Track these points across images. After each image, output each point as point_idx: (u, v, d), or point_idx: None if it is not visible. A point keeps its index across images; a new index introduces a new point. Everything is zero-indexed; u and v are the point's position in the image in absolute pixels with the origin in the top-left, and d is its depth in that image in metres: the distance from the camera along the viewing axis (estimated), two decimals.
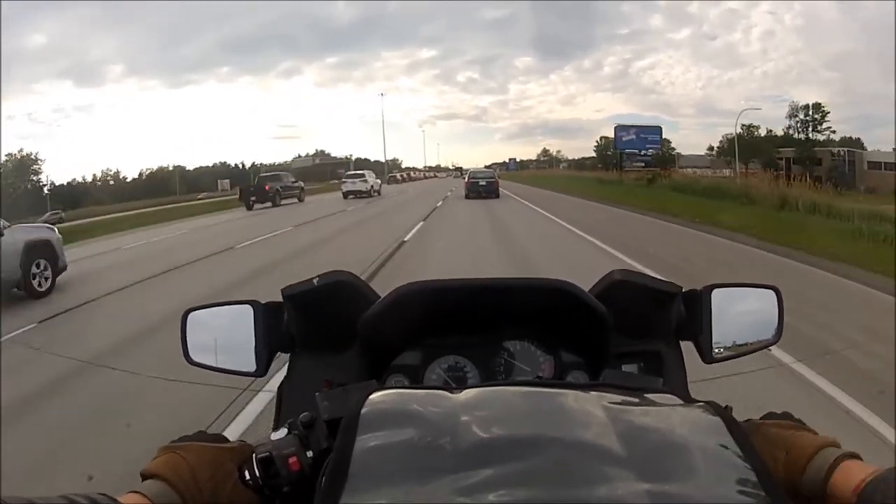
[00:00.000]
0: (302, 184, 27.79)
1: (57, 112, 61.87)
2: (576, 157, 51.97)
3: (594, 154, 47.23)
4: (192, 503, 0.60)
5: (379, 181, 30.28)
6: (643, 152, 35.03)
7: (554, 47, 63.69)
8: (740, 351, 0.97)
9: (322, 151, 54.23)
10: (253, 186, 25.25)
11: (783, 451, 0.62)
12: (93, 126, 57.45)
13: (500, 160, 58.81)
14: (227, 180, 46.25)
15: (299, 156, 49.34)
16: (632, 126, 35.95)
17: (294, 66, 70.42)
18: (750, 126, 35.82)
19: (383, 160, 59.56)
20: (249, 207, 23.58)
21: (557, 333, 0.94)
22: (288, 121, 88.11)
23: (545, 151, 56.01)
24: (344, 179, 28.92)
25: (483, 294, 0.92)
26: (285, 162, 49.31)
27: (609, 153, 45.36)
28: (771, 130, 34.73)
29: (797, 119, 33.56)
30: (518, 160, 57.57)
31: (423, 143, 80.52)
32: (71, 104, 62.50)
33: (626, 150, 35.27)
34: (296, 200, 25.51)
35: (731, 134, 36.84)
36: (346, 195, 26.74)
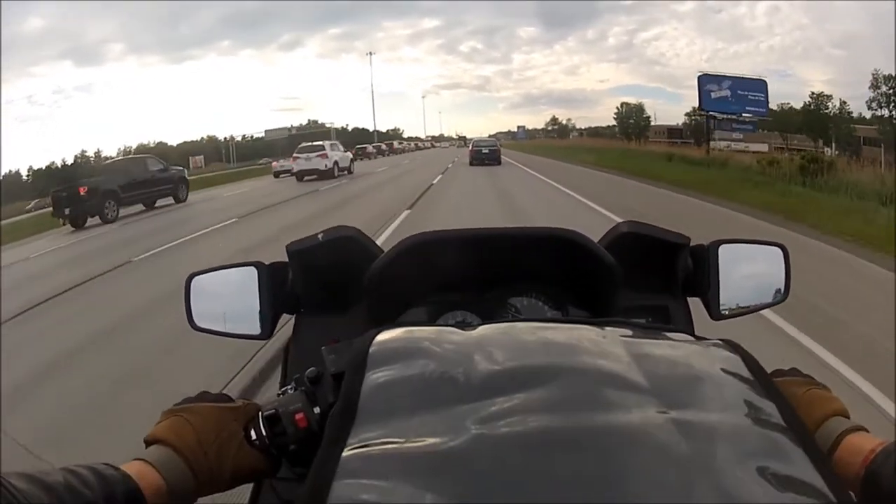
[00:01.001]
0: (180, 170, 18.26)
1: (57, 93, 61.34)
2: (589, 126, 50.44)
3: (614, 122, 45.32)
4: (198, 467, 0.59)
5: (348, 155, 23.39)
6: (742, 115, 24.98)
7: (557, 17, 62.58)
8: (747, 309, 0.96)
9: (315, 122, 51.13)
10: (65, 190, 14.33)
11: None
12: (94, 105, 57.90)
13: (505, 129, 58.25)
14: (201, 156, 43.24)
15: (291, 128, 46.21)
16: (725, 77, 25.32)
17: (296, 38, 69.95)
18: (819, 95, 30.49)
19: (379, 129, 57.57)
20: (73, 224, 13.96)
21: (564, 287, 0.93)
22: (290, 93, 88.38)
23: (554, 119, 55.26)
24: (296, 155, 21.16)
25: (490, 242, 0.91)
26: (257, 136, 46.50)
27: (631, 121, 43.71)
28: (846, 103, 29.76)
29: (880, 92, 26.53)
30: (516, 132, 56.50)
31: (423, 112, 79.44)
32: (71, 84, 62.44)
33: (720, 114, 24.98)
34: (171, 200, 16.56)
35: (788, 104, 32.31)
36: (298, 176, 20.22)
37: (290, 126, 45.96)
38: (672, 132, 39.68)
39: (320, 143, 21.87)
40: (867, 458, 0.52)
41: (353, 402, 0.49)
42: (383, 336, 0.58)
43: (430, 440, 0.44)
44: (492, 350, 0.53)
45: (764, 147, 27.27)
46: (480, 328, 0.59)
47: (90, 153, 41.47)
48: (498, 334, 0.58)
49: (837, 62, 44.28)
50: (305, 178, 20.24)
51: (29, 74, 49.86)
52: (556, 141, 47.67)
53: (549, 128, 54.28)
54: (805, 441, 0.46)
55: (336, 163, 20.91)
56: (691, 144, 32.65)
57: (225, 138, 43.81)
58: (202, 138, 45.68)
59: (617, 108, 46.30)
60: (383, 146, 46.14)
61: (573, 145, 39.11)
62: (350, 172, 21.93)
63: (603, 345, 0.55)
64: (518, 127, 58.80)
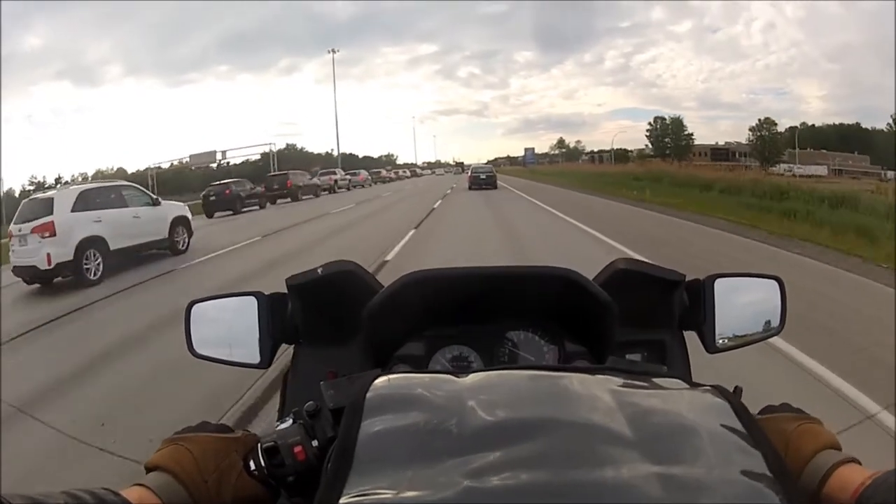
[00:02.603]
0: None
1: (55, 114, 60.34)
2: (602, 149, 45.60)
3: (648, 141, 40.13)
4: (197, 494, 0.60)
5: (173, 214, 11.08)
6: None
7: (554, 41, 63.03)
8: (743, 341, 0.97)
9: (293, 146, 46.72)
10: None
11: (782, 449, 0.60)
12: (91, 126, 56.77)
13: (504, 154, 55.22)
14: None
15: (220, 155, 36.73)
16: None
17: (293, 63, 69.18)
18: None
19: (371, 155, 53.46)
20: None
21: (561, 323, 0.94)
22: (288, 118, 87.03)
23: (561, 142, 50.38)
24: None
25: (487, 281, 0.92)
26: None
27: (667, 139, 38.72)
28: None
29: None
30: (518, 157, 52.24)
31: (413, 137, 77.74)
32: (69, 106, 61.20)
33: None
34: None
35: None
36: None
37: (219, 151, 37.03)
38: (717, 153, 36.70)
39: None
40: (857, 490, 0.53)
41: (351, 447, 0.50)
42: (381, 381, 0.59)
43: (422, 492, 0.45)
44: (485, 400, 0.54)
45: (822, 170, 26.50)
46: (473, 376, 0.60)
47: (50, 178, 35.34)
48: (490, 383, 0.59)
49: (832, 76, 44.36)
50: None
51: (27, 94, 50.41)
52: (570, 166, 42.04)
53: (556, 151, 50.51)
54: (789, 491, 0.46)
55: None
56: (741, 166, 29.97)
57: (149, 167, 35.26)
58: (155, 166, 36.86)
59: (650, 123, 41.46)
60: (345, 175, 33.63)
61: (601, 172, 32.33)
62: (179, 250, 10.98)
63: (594, 395, 0.55)
64: (526, 150, 52.21)
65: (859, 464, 0.57)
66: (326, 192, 28.20)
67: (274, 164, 33.47)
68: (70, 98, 61.14)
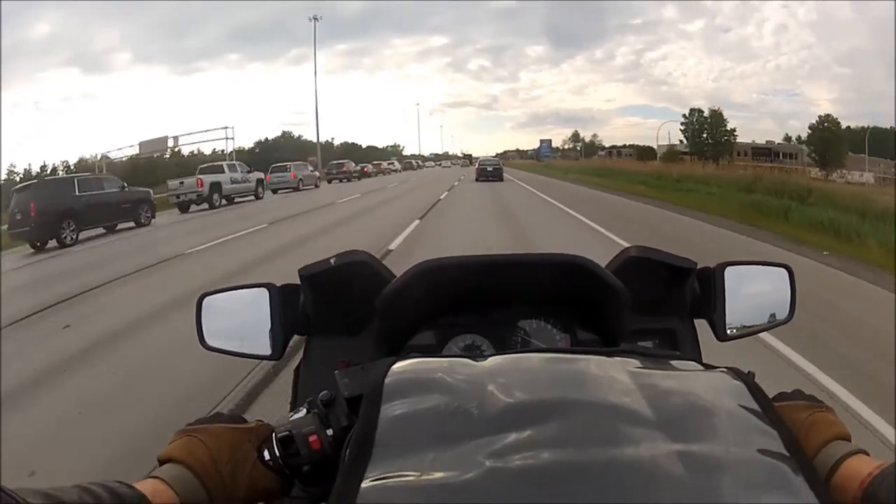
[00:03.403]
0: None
1: (64, 101, 58.06)
2: (616, 144, 41.70)
3: (683, 136, 34.78)
4: (212, 486, 0.60)
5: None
6: None
7: (566, 37, 61.75)
8: (753, 329, 0.97)
9: (289, 133, 43.16)
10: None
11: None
12: (100, 113, 55.60)
13: (514, 147, 52.67)
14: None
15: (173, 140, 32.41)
16: None
17: (303, 54, 67.73)
18: None
19: (376, 145, 50.10)
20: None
21: (573, 311, 0.94)
22: (298, 108, 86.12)
23: (576, 136, 46.10)
24: None
25: (499, 269, 0.92)
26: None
27: (705, 135, 33.52)
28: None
29: None
30: (527, 150, 49.09)
31: (418, 127, 75.99)
32: (78, 92, 59.65)
33: None
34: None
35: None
36: None
37: (171, 137, 32.80)
38: (758, 151, 32.32)
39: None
40: (864, 480, 0.53)
41: (371, 432, 0.50)
42: (398, 366, 0.59)
43: (445, 474, 0.45)
44: (503, 383, 0.54)
45: (869, 177, 23.99)
46: (491, 359, 0.60)
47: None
48: (509, 366, 0.59)
49: (842, 80, 42.75)
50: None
51: (36, 80, 48.85)
52: (588, 162, 37.08)
53: (569, 146, 46.38)
54: (806, 469, 0.47)
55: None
56: (788, 168, 27.49)
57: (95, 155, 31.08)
58: (191, 153, 34.17)
59: (684, 116, 35.50)
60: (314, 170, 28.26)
61: (630, 170, 27.61)
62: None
63: (611, 376, 0.56)
64: (542, 142, 47.66)
65: (868, 455, 0.58)
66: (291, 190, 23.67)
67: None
68: (78, 85, 61.11)
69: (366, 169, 35.66)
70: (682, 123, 35.23)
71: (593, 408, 0.51)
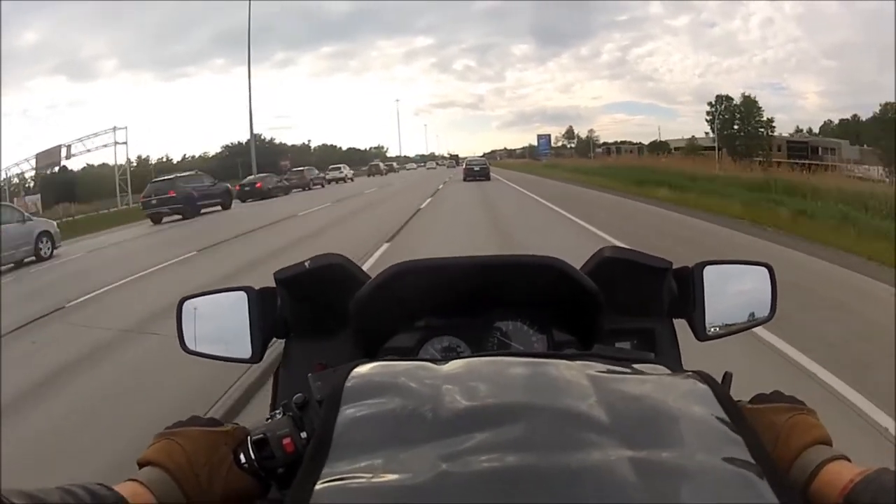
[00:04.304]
0: None
1: (51, 108, 58.98)
2: (617, 140, 38.59)
3: (708, 128, 30.21)
4: (189, 488, 0.61)
5: None
6: None
7: (551, 35, 61.74)
8: (734, 328, 0.97)
9: (258, 136, 37.07)
10: None
11: (772, 441, 0.59)
12: (87, 121, 56.80)
13: (501, 147, 52.19)
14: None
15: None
16: None
17: (288, 57, 68.37)
18: None
19: (357, 147, 46.61)
20: None
21: (549, 312, 0.95)
22: (283, 111, 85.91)
23: (570, 132, 43.51)
24: None
25: (474, 271, 0.92)
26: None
27: (736, 127, 28.95)
28: None
29: None
30: (515, 149, 48.16)
31: (398, 126, 75.07)
32: (65, 100, 60.94)
33: None
34: None
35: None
36: None
37: (64, 146, 28.92)
38: (794, 147, 27.49)
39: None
40: (846, 487, 0.51)
41: (329, 434, 0.51)
42: (360, 370, 0.60)
43: (399, 476, 0.46)
44: (461, 387, 0.55)
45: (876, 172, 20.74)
46: (452, 363, 0.61)
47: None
48: (468, 370, 0.59)
49: (829, 73, 41.70)
50: None
51: (24, 88, 48.95)
52: (590, 161, 33.20)
53: (561, 143, 43.89)
54: (772, 476, 0.46)
55: None
56: (829, 161, 24.02)
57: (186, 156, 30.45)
58: (185, 157, 32.79)
59: (710, 104, 30.55)
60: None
61: (654, 167, 23.12)
62: None
63: (571, 381, 0.56)
64: (539, 137, 44.03)
65: (849, 460, 0.56)
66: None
67: None
68: (65, 92, 60.88)
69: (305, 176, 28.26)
70: (707, 113, 30.86)
71: (550, 412, 0.51)
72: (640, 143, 38.48)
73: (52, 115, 56.09)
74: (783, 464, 0.57)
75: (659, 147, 33.75)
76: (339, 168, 35.23)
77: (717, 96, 30.53)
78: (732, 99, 30.19)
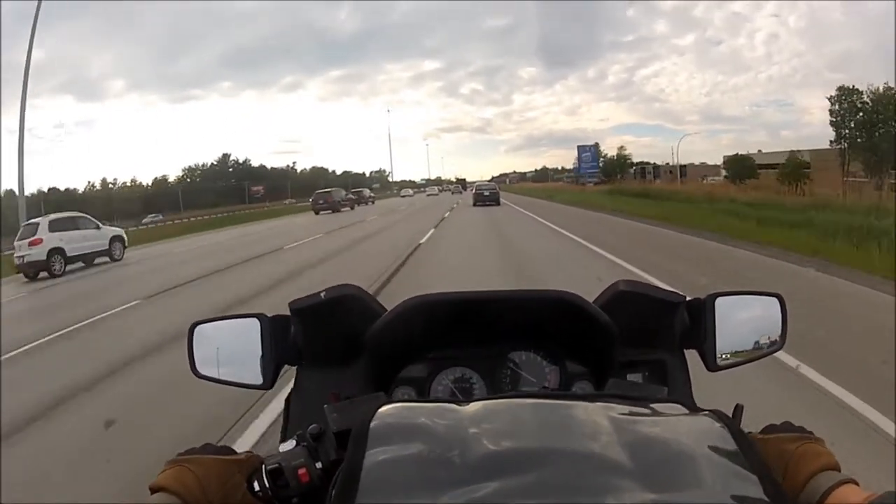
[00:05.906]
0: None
1: (58, 128, 61.96)
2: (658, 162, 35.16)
3: (831, 131, 22.42)
4: None
5: None
6: None
7: (558, 56, 61.43)
8: (745, 358, 0.97)
9: (247, 161, 37.35)
10: None
11: (782, 469, 0.62)
12: (94, 141, 58.99)
13: (510, 170, 50.45)
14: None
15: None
16: None
17: (297, 81, 70.30)
18: None
19: (353, 170, 44.06)
20: None
21: (562, 344, 0.95)
22: (291, 135, 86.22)
23: (595, 150, 39.26)
24: None
25: (488, 306, 0.93)
26: None
27: (878, 133, 20.33)
28: None
29: None
30: (526, 172, 45.63)
31: (389, 153, 74.51)
32: (72, 119, 63.82)
33: None
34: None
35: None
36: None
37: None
38: None
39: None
40: None
41: (356, 474, 0.51)
42: (385, 409, 0.60)
43: None
44: (486, 430, 0.55)
45: None
46: (474, 405, 0.61)
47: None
48: (492, 413, 0.60)
49: (835, 85, 36.61)
50: None
51: (30, 106, 53.78)
52: (649, 187, 24.95)
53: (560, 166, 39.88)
54: None
55: None
56: None
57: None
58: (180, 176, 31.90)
59: (829, 99, 22.80)
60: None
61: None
62: None
63: (594, 424, 0.57)
64: (582, 151, 38.58)
65: (857, 484, 0.58)
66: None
67: None
68: (72, 112, 63.30)
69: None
70: (830, 112, 22.97)
71: (574, 457, 0.52)
72: (647, 163, 34.59)
73: (60, 133, 59.18)
74: (793, 490, 0.60)
75: (739, 167, 24.73)
76: (429, 185, 37.24)
77: (840, 88, 22.18)
78: (861, 92, 22.29)
